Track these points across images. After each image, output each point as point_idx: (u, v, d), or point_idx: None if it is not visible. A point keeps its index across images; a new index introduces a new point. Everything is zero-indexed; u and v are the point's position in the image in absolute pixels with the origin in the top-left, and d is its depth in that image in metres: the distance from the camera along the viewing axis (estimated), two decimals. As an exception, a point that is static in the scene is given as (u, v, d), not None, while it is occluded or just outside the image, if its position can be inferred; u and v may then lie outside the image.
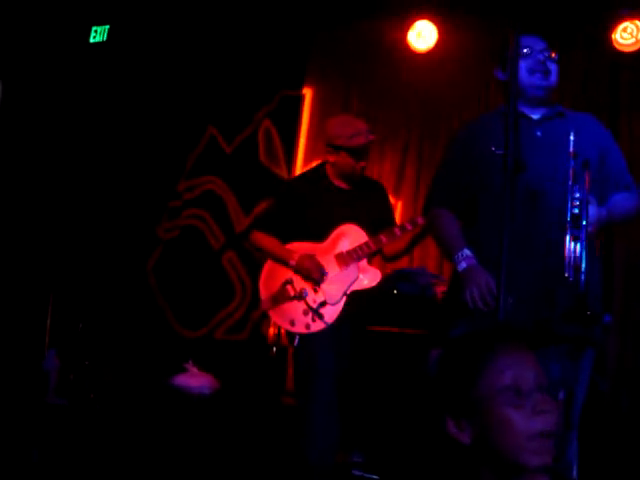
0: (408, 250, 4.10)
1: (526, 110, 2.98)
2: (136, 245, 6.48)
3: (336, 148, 3.98)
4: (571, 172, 2.74)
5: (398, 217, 5.79)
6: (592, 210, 2.74)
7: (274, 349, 4.86)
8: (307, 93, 6.32)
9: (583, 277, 2.64)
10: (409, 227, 3.89)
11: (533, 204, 2.81)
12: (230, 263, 6.31)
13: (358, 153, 3.95)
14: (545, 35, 3.10)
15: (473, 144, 3.04)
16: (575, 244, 2.69)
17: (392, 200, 5.72)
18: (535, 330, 2.72)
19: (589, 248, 2.73)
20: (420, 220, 3.84)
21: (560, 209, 2.74)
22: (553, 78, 2.99)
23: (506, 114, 2.33)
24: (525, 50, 2.94)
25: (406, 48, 5.77)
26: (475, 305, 2.74)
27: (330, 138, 4.01)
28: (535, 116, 2.99)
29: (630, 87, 5.52)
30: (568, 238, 2.69)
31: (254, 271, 4.27)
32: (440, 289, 4.76)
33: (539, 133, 2.95)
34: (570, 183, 2.73)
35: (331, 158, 4.02)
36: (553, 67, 2.99)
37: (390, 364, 4.71)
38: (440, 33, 5.70)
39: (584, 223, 2.68)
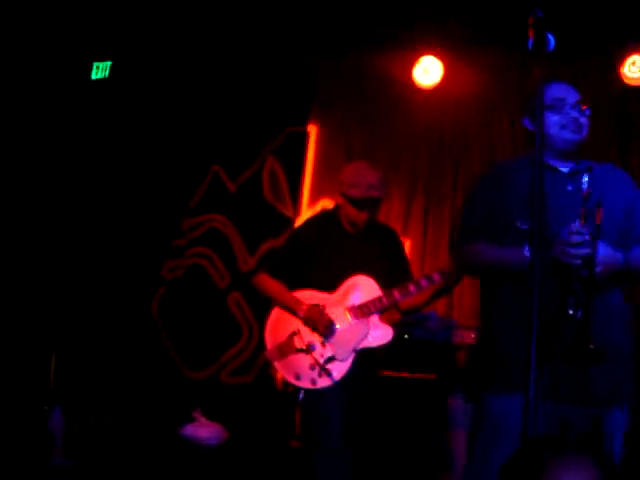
0: (427, 304, 3.96)
1: (555, 163, 2.88)
2: (140, 286, 6.36)
3: (340, 194, 3.90)
4: (582, 211, 2.65)
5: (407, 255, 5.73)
6: (602, 250, 2.63)
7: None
8: (312, 130, 6.22)
9: (580, 311, 2.54)
10: (424, 284, 3.74)
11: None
12: (236, 303, 6.19)
13: (356, 203, 3.82)
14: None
15: (497, 192, 2.90)
16: (582, 285, 2.58)
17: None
18: None
19: (603, 290, 2.64)
20: (436, 277, 3.72)
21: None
22: (585, 133, 2.89)
23: (532, 186, 2.17)
24: (556, 104, 2.85)
25: (412, 84, 5.70)
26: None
27: (339, 182, 3.94)
28: (565, 169, 2.88)
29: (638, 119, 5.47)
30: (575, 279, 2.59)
31: (260, 312, 4.15)
32: (458, 333, 4.68)
33: (570, 187, 2.83)
34: (578, 222, 2.63)
35: (340, 203, 3.94)
36: (585, 121, 2.89)
37: (401, 409, 4.63)
38: (446, 69, 5.63)
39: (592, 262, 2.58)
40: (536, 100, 2.38)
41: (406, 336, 4.71)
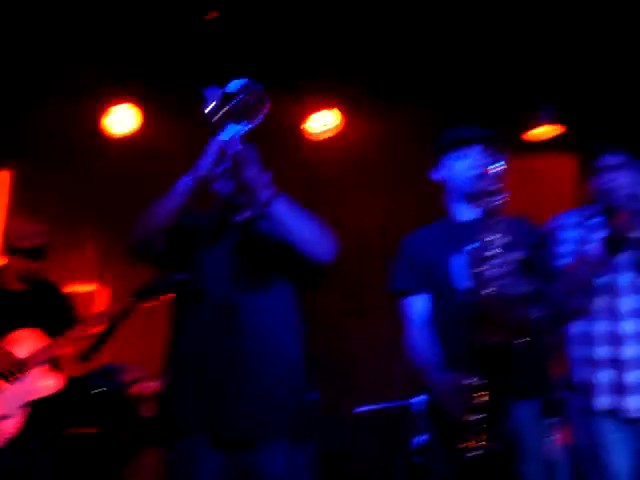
0: (94, 349, 3.95)
1: None
2: None
3: (9, 248, 3.95)
4: None
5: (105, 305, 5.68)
6: None
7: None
8: (5, 175, 6.01)
9: None
10: (90, 323, 3.78)
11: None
12: None
13: (27, 253, 3.88)
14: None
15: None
16: None
17: (97, 287, 5.68)
18: None
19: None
20: (91, 320, 3.77)
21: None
22: None
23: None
24: None
25: (103, 133, 5.69)
26: None
27: (5, 239, 4.05)
28: None
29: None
30: None
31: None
32: (145, 385, 4.67)
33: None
34: None
35: (8, 258, 3.96)
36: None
37: (90, 466, 4.57)
38: (145, 118, 5.68)
39: None
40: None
41: (93, 391, 4.64)
